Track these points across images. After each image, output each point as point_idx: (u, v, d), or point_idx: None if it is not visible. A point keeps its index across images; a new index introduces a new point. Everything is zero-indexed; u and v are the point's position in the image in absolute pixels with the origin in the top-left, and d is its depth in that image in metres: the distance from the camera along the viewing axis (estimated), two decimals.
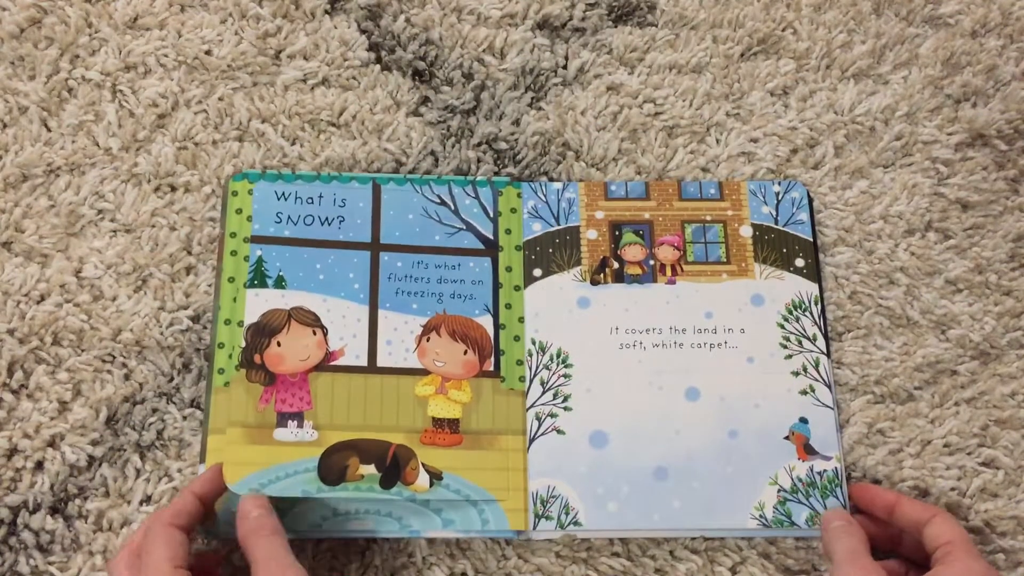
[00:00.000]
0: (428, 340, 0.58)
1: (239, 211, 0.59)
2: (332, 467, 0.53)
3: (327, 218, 0.59)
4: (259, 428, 0.54)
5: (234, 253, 0.58)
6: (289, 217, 0.59)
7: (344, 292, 0.58)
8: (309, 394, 0.55)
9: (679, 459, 0.56)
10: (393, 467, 0.54)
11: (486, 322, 0.58)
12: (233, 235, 0.58)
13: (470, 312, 0.58)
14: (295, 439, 0.54)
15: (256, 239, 0.58)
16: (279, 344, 0.56)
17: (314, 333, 0.57)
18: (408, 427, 0.55)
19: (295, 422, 0.55)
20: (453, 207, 0.60)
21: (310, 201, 0.59)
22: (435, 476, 0.54)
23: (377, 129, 0.62)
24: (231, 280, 0.58)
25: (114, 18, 0.63)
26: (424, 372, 0.57)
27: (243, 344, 0.56)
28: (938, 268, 0.61)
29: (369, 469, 0.54)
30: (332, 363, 0.56)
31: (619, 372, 0.57)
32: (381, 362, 0.57)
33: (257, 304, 0.57)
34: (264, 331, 0.56)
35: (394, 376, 0.57)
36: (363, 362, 0.57)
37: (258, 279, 0.57)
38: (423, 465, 0.54)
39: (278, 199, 0.59)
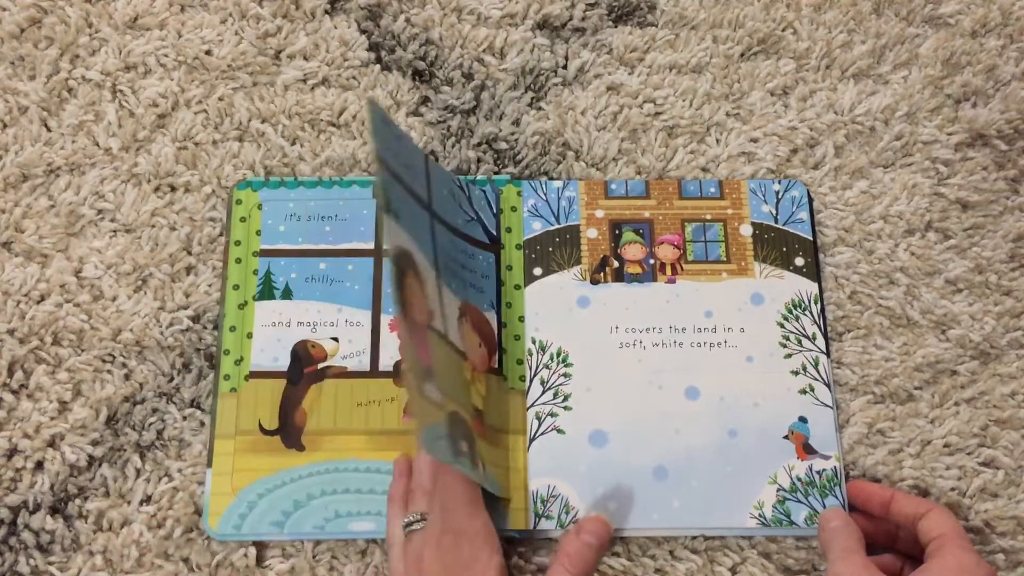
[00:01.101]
0: (462, 324, 0.55)
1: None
2: (455, 435, 0.47)
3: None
4: (411, 376, 0.45)
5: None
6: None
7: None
8: (429, 348, 0.48)
9: (679, 458, 0.55)
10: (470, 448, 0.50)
11: (491, 318, 0.58)
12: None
13: (480, 305, 0.58)
14: (433, 397, 0.46)
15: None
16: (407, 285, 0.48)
17: None
18: (468, 408, 0.52)
19: (431, 381, 0.46)
20: (467, 194, 0.60)
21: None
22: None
23: None
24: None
25: (114, 18, 0.63)
26: (463, 355, 0.54)
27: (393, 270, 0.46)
28: (938, 268, 0.61)
29: (464, 445, 0.49)
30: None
31: (619, 371, 0.57)
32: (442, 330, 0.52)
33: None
34: (401, 262, 0.46)
35: (455, 351, 0.53)
36: (441, 327, 0.51)
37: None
38: None
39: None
